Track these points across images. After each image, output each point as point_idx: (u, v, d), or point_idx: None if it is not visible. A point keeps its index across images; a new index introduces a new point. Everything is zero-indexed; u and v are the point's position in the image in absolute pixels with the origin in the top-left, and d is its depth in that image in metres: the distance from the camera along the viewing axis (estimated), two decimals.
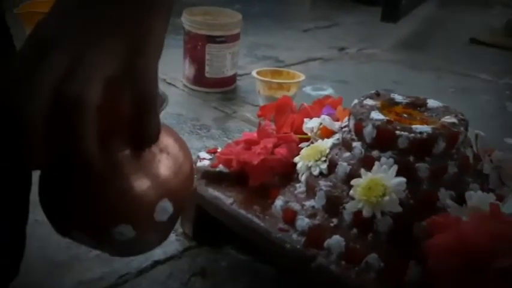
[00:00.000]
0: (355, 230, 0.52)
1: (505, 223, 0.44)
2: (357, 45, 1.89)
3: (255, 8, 2.53)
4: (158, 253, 0.64)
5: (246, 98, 1.25)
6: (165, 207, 0.35)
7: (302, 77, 1.20)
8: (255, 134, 0.68)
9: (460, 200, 0.51)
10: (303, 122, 0.69)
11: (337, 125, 0.64)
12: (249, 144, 0.65)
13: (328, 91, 1.36)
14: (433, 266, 0.45)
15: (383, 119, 0.54)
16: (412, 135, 0.52)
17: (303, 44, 1.89)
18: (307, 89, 1.35)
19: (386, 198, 0.49)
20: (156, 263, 0.62)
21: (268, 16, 2.37)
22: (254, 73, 1.20)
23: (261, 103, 1.21)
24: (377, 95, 0.61)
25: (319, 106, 0.75)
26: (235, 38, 1.24)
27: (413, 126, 0.53)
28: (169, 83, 1.30)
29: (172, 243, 0.66)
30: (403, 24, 2.08)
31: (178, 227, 0.70)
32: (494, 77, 1.57)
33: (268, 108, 0.77)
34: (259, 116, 0.78)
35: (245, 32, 1.86)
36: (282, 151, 0.64)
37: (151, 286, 0.59)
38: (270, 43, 1.85)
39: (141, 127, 0.32)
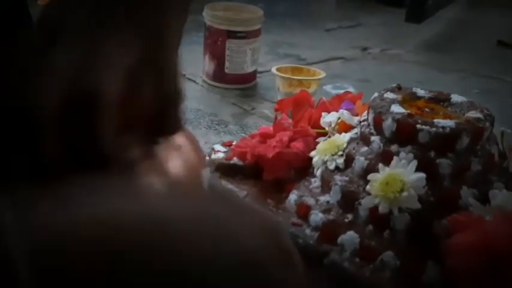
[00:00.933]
0: (370, 227, 0.50)
1: None
2: (380, 45, 1.86)
3: (279, 7, 2.53)
4: None
5: (266, 95, 1.24)
6: None
7: (323, 74, 1.19)
8: (271, 128, 0.67)
9: (484, 199, 0.48)
10: (320, 116, 0.67)
11: (355, 119, 0.62)
12: (265, 137, 0.64)
13: (349, 90, 1.34)
14: (454, 266, 0.43)
15: (403, 113, 0.52)
16: (434, 129, 0.49)
17: (325, 44, 1.87)
18: (328, 88, 1.33)
19: (405, 194, 0.47)
20: None
21: (291, 15, 2.35)
22: (274, 69, 1.19)
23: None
24: (398, 88, 0.59)
25: (338, 101, 0.74)
26: (256, 33, 1.23)
27: (436, 120, 0.51)
28: (189, 79, 1.30)
29: None
30: (428, 26, 2.04)
31: None
32: None
33: (286, 102, 0.76)
34: (276, 110, 0.76)
35: (267, 31, 1.85)
36: (298, 145, 0.63)
37: None
38: (292, 42, 1.83)
39: (162, 120, 0.30)
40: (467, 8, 2.78)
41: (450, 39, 2.07)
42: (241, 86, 1.26)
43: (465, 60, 1.73)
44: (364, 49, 1.81)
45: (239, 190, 0.60)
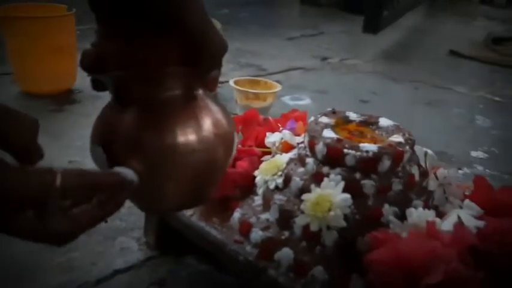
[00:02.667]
0: (304, 243, 0.54)
1: (439, 241, 0.47)
2: (340, 55, 1.93)
3: (243, 13, 2.56)
4: (119, 262, 0.66)
5: (226, 106, 1.28)
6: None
7: (278, 88, 1.23)
8: None
9: (403, 217, 0.53)
10: (266, 135, 0.71)
11: (297, 139, 0.67)
12: None
13: (306, 101, 1.39)
14: (373, 279, 0.48)
15: (333, 137, 0.57)
16: (359, 153, 0.54)
17: (287, 53, 1.92)
18: (286, 99, 1.38)
19: (332, 213, 0.52)
20: (116, 272, 0.64)
21: (256, 22, 2.40)
22: (232, 82, 1.23)
23: (239, 112, 1.23)
24: (333, 112, 0.64)
25: (284, 120, 0.78)
26: None
27: (361, 144, 0.55)
28: None
29: (135, 253, 0.69)
30: (387, 34, 2.12)
31: (141, 236, 0.72)
32: (470, 89, 1.61)
33: (236, 120, 0.79)
34: None
35: (232, 37, 1.89)
36: (243, 164, 0.67)
37: None
38: (254, 50, 1.88)
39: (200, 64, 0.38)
40: (424, 17, 2.89)
41: (406, 49, 2.16)
42: None
43: (419, 70, 1.81)
44: (324, 59, 1.87)
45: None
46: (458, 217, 0.52)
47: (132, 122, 0.39)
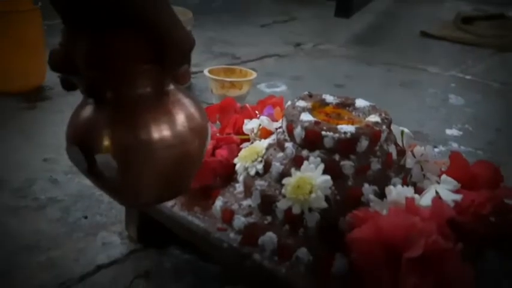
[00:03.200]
0: (286, 227, 0.55)
1: (418, 216, 0.48)
2: (313, 40, 1.93)
3: (215, 3, 2.53)
4: (102, 257, 0.65)
5: (201, 96, 1.27)
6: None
7: (254, 75, 1.23)
8: None
9: (383, 195, 0.54)
10: (244, 122, 0.71)
11: (275, 125, 0.67)
12: None
13: (282, 88, 1.39)
14: (355, 258, 0.49)
15: (311, 121, 0.57)
16: (337, 135, 0.55)
17: (260, 40, 1.91)
18: (262, 86, 1.38)
19: (313, 195, 0.52)
20: (99, 268, 0.63)
21: (228, 11, 2.38)
22: (206, 72, 1.21)
23: (215, 102, 1.22)
24: (309, 96, 0.64)
25: (261, 106, 0.78)
26: None
27: (339, 126, 0.56)
28: None
29: (117, 247, 0.68)
30: (358, 18, 2.13)
31: (123, 230, 0.71)
32: (442, 69, 1.64)
33: (213, 109, 0.79)
34: None
35: (203, 27, 1.87)
36: (222, 152, 0.66)
37: None
38: (227, 39, 1.86)
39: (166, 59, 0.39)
40: (395, 0, 2.91)
41: (378, 32, 2.18)
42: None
43: (391, 52, 1.83)
44: (298, 45, 1.87)
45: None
46: (436, 192, 0.53)
47: (105, 120, 0.40)
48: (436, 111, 1.26)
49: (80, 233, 0.71)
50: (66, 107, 1.15)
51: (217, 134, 0.72)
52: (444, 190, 0.53)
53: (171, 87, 0.42)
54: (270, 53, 1.73)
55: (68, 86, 0.41)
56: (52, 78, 1.26)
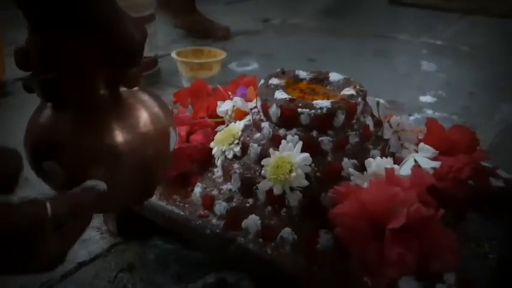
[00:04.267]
0: (269, 208, 0.54)
1: (399, 186, 0.48)
2: (281, 15, 1.90)
3: None
4: (82, 254, 0.63)
5: (170, 80, 1.23)
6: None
7: (223, 55, 1.20)
8: None
9: (363, 168, 0.54)
10: (217, 104, 0.69)
11: (249, 105, 0.65)
12: None
13: (253, 66, 1.37)
14: (340, 232, 0.48)
15: (286, 98, 0.56)
16: (313, 111, 0.54)
17: (226, 18, 1.87)
18: (232, 66, 1.35)
19: (293, 174, 0.51)
20: (81, 265, 0.62)
21: None
22: (174, 54, 1.18)
23: (185, 84, 1.19)
24: (282, 73, 0.63)
25: (234, 87, 0.76)
26: (149, 19, 1.19)
27: (314, 102, 0.55)
28: None
29: (97, 242, 0.66)
30: None
31: (101, 224, 0.69)
32: (412, 36, 1.64)
33: (183, 93, 0.77)
34: (174, 102, 0.77)
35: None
36: (197, 137, 0.65)
37: (78, 287, 0.58)
38: None
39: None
40: None
41: (347, 3, 2.16)
42: (143, 74, 1.24)
43: (361, 22, 1.82)
44: (266, 21, 1.84)
45: None
46: (415, 161, 0.53)
47: (65, 127, 0.38)
48: (410, 79, 1.26)
49: None
50: (29, 102, 1.10)
51: (190, 119, 0.70)
52: (422, 158, 0.53)
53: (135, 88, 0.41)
54: (239, 30, 1.70)
55: (29, 88, 0.39)
56: (15, 73, 1.21)
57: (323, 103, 0.54)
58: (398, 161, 0.55)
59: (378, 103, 0.62)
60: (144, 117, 0.40)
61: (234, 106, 0.66)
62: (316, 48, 1.52)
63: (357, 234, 0.47)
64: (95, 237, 0.67)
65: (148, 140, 0.40)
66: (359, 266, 0.47)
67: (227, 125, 0.65)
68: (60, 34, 0.36)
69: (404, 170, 0.53)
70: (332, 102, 0.55)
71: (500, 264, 0.49)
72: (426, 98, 1.13)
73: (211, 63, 1.17)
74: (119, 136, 0.38)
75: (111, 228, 0.68)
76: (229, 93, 0.73)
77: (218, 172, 0.61)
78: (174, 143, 0.43)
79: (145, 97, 0.41)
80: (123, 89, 0.40)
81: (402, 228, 0.45)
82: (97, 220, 0.70)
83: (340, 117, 0.54)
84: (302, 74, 0.63)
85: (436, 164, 0.52)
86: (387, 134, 0.58)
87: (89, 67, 0.37)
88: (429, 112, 1.05)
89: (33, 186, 0.76)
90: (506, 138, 0.96)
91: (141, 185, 0.41)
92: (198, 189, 0.59)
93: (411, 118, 1.00)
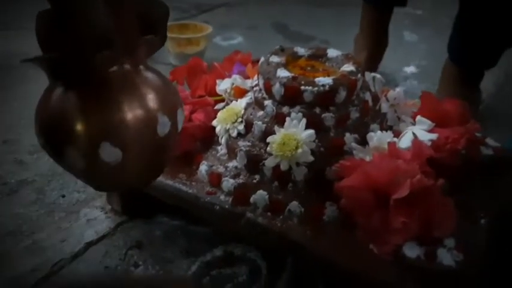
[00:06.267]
0: (276, 183, 0.56)
1: (401, 158, 0.51)
2: None
3: None
4: (89, 234, 0.65)
5: (157, 57, 1.22)
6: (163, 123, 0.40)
7: (210, 30, 1.19)
8: None
9: (364, 142, 0.56)
10: (215, 82, 0.70)
11: (248, 83, 0.66)
12: None
13: (239, 40, 1.36)
14: (346, 204, 0.51)
15: (288, 76, 0.57)
16: (316, 88, 0.55)
17: None
18: (217, 40, 1.35)
19: (299, 150, 0.53)
20: (89, 245, 0.63)
21: None
22: None
23: (173, 61, 1.19)
24: (281, 50, 0.64)
25: (229, 63, 0.76)
26: None
27: (316, 79, 0.56)
28: None
29: (103, 222, 0.67)
30: None
31: (106, 204, 0.70)
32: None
33: (180, 71, 0.77)
34: (171, 80, 0.77)
35: None
36: (199, 116, 0.66)
37: (89, 267, 0.60)
38: None
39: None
40: None
41: None
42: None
43: None
44: None
45: None
46: (413, 133, 0.56)
47: (76, 106, 0.38)
48: (393, 50, 1.28)
49: (61, 212, 0.69)
50: (16, 81, 1.08)
51: (189, 98, 0.70)
52: (420, 131, 0.56)
53: (141, 66, 0.41)
54: (219, 2, 1.67)
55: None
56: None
57: (325, 80, 0.56)
58: (396, 134, 0.58)
59: (373, 78, 0.64)
60: (151, 96, 0.40)
61: (233, 84, 0.67)
62: (298, 19, 1.52)
63: (362, 205, 0.50)
64: (100, 217, 0.69)
65: (156, 118, 0.40)
66: (365, 235, 0.51)
67: (227, 103, 0.66)
68: (57, 16, 0.37)
69: (404, 142, 0.55)
70: (334, 79, 0.56)
71: (491, 227, 0.53)
72: (410, 69, 1.16)
73: (198, 38, 1.16)
74: (129, 113, 0.38)
75: (115, 207, 0.69)
76: (226, 71, 0.74)
77: (222, 150, 0.63)
78: (181, 121, 0.44)
79: (153, 76, 0.42)
80: (130, 67, 0.40)
81: (405, 198, 0.48)
82: (100, 200, 0.71)
83: (342, 94, 0.56)
84: (301, 50, 0.64)
85: (434, 136, 0.55)
86: (385, 108, 0.61)
87: (86, 48, 0.38)
88: (414, 82, 1.09)
89: (28, 169, 0.76)
90: (487, 107, 1.00)
91: (152, 163, 0.42)
92: (203, 167, 0.61)
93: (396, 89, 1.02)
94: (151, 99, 0.40)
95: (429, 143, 0.54)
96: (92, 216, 0.69)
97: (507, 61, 1.01)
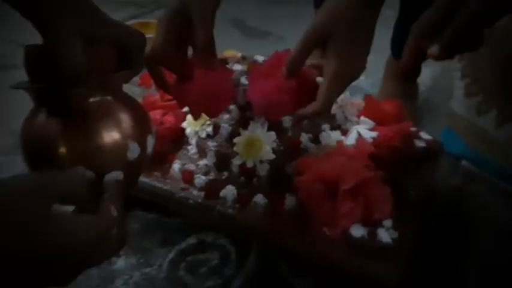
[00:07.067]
0: (242, 179, 0.64)
1: (347, 155, 0.60)
2: None
3: None
4: None
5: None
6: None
7: None
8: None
9: (317, 140, 0.65)
10: None
11: None
12: None
13: None
14: (303, 196, 0.60)
15: None
16: None
17: None
18: None
19: (262, 150, 0.62)
20: None
21: None
22: None
23: None
24: (243, 58, 0.71)
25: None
26: None
27: None
28: None
29: None
30: None
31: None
32: None
33: (148, 76, 0.82)
34: (140, 84, 0.83)
35: None
36: (170, 119, 0.72)
37: None
38: None
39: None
40: None
41: None
42: None
43: None
44: None
45: None
46: (358, 132, 0.66)
47: (58, 131, 0.43)
48: None
49: None
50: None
51: (159, 101, 0.77)
52: (363, 130, 0.66)
53: (116, 95, 0.46)
54: None
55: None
56: None
57: None
58: (344, 132, 0.68)
59: None
60: (124, 124, 0.45)
61: None
62: (256, 17, 1.58)
63: (316, 195, 0.60)
64: None
65: (127, 145, 0.44)
66: (319, 220, 0.60)
67: None
68: (42, 51, 0.41)
69: (350, 140, 0.65)
70: None
71: (421, 208, 0.64)
72: None
73: None
74: (102, 140, 0.43)
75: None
76: None
77: (192, 150, 0.70)
78: (151, 146, 0.49)
79: (126, 105, 0.46)
80: (106, 97, 0.45)
81: (351, 188, 0.58)
82: None
83: None
84: (259, 58, 0.72)
85: (374, 134, 0.65)
86: (334, 109, 0.70)
87: (64, 83, 0.42)
88: (362, 78, 1.18)
89: (9, 170, 0.81)
90: (424, 100, 1.12)
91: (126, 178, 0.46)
92: (176, 166, 0.68)
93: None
94: (123, 127, 0.44)
95: (371, 140, 0.64)
96: None
97: None
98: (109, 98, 0.45)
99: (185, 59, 0.58)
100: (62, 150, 0.43)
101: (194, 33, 0.53)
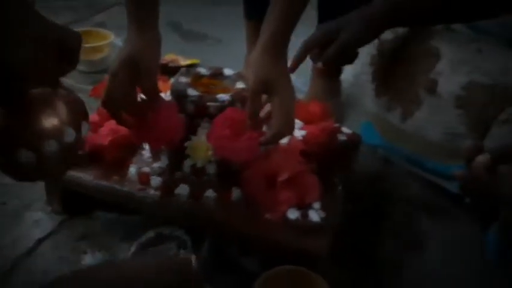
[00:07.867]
0: (193, 177, 0.74)
1: (282, 152, 0.72)
2: None
3: None
4: (37, 233, 0.77)
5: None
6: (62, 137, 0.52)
7: (111, 37, 1.29)
8: (96, 117, 0.81)
9: None
10: None
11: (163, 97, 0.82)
12: (95, 126, 0.79)
13: None
14: (247, 188, 0.71)
15: (196, 95, 0.74)
16: (218, 103, 0.74)
17: None
18: (118, 41, 1.42)
19: (210, 152, 0.72)
20: (40, 241, 0.75)
21: None
22: None
23: (81, 68, 1.27)
24: (187, 71, 0.80)
25: None
26: None
27: (218, 96, 0.74)
28: None
29: (48, 221, 0.79)
30: None
31: (46, 206, 0.82)
32: None
33: (98, 88, 0.88)
34: (91, 95, 0.89)
35: None
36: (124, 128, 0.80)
37: (45, 259, 0.72)
38: None
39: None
40: None
41: None
42: None
43: None
44: None
45: (87, 175, 0.76)
46: None
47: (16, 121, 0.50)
48: None
49: (6, 217, 0.79)
50: None
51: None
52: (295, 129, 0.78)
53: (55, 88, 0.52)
54: (112, 1, 1.71)
55: None
56: None
57: (224, 97, 0.74)
58: None
59: None
60: (61, 112, 0.52)
61: None
62: (194, 18, 1.65)
63: (258, 187, 0.71)
64: (43, 217, 0.80)
65: (65, 127, 0.52)
66: (262, 207, 0.71)
67: None
68: None
69: (284, 139, 0.77)
70: (231, 95, 0.75)
71: (344, 191, 0.78)
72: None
73: (102, 46, 1.26)
74: (42, 126, 0.50)
75: (56, 208, 0.81)
76: None
77: (146, 154, 0.78)
78: (85, 130, 0.56)
79: (64, 96, 0.53)
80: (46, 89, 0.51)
81: (287, 179, 0.70)
82: (40, 203, 0.82)
83: (238, 106, 0.75)
84: (202, 70, 0.81)
85: (303, 132, 0.77)
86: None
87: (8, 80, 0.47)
88: (293, 78, 1.31)
89: None
90: (347, 95, 1.27)
91: (61, 162, 0.54)
92: (132, 170, 0.76)
93: None
94: (60, 115, 0.51)
95: (301, 138, 0.76)
96: (36, 218, 0.80)
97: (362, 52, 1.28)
98: (48, 90, 0.52)
99: (138, 103, 0.70)
100: (6, 135, 0.50)
101: (142, 81, 0.67)
